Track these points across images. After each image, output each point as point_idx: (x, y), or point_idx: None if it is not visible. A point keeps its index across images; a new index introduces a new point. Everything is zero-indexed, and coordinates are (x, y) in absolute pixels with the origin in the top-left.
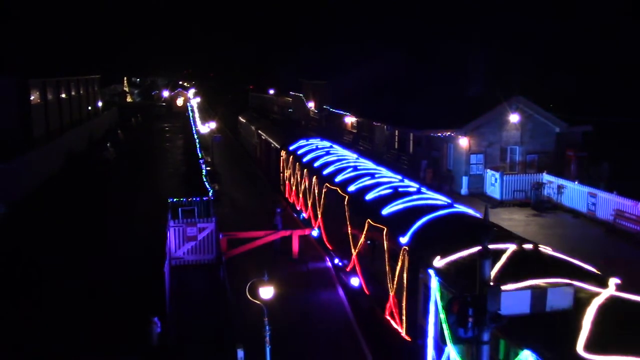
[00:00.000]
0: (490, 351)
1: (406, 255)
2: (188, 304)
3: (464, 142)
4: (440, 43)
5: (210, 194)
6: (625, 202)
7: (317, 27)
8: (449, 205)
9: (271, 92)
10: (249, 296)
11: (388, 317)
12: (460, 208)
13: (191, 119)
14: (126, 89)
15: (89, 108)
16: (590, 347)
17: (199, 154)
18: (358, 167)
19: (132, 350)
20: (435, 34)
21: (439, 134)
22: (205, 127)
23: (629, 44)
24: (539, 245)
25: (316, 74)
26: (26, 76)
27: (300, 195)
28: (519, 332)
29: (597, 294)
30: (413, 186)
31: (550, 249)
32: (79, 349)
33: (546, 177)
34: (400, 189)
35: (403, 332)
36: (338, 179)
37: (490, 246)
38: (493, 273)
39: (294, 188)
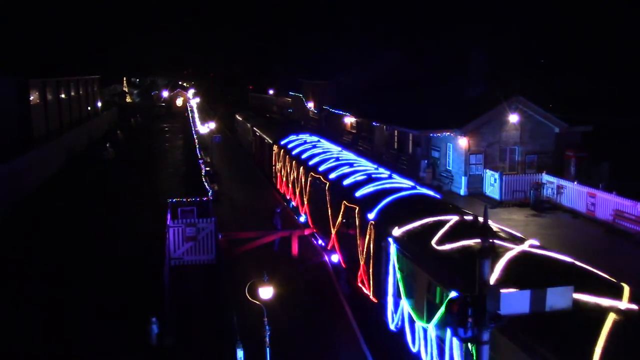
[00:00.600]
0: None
1: (373, 228)
2: (187, 304)
3: (463, 142)
4: (440, 43)
5: (209, 194)
6: (625, 202)
7: (316, 27)
8: (412, 188)
9: (271, 92)
10: (248, 296)
11: (360, 285)
12: (421, 190)
13: (190, 119)
14: (126, 89)
15: (89, 108)
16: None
17: (199, 155)
18: (339, 158)
19: (131, 350)
20: (436, 34)
21: (439, 134)
22: (205, 128)
23: (629, 43)
24: (478, 217)
25: (316, 73)
26: (26, 76)
27: (290, 185)
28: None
29: (511, 249)
30: (385, 173)
31: (491, 222)
32: (77, 349)
33: (546, 177)
34: (373, 175)
35: (371, 295)
36: (321, 168)
37: (438, 217)
38: (437, 237)
39: (284, 179)
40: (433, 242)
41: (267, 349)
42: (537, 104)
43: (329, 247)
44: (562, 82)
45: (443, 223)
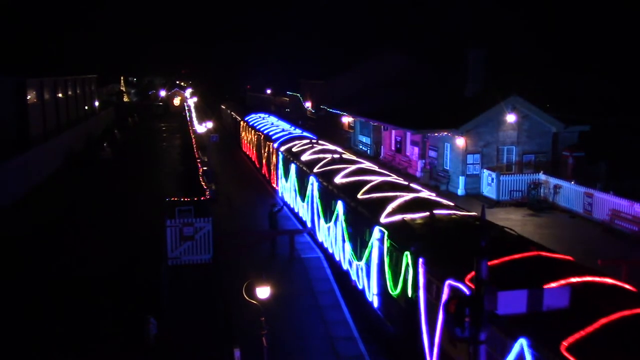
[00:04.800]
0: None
1: (275, 151)
2: (185, 304)
3: (460, 142)
4: (438, 42)
5: (207, 193)
6: (622, 202)
7: (314, 26)
8: (301, 133)
9: (268, 91)
10: (245, 296)
11: (273, 185)
12: (305, 134)
13: (188, 118)
14: (123, 88)
15: (86, 108)
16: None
17: (196, 154)
18: (273, 124)
19: (129, 351)
20: (434, 33)
21: (436, 134)
22: (202, 127)
23: (628, 42)
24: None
25: (314, 73)
26: (23, 76)
27: (248, 144)
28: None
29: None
30: (292, 128)
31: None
32: (75, 349)
33: (542, 177)
34: (284, 130)
35: (275, 185)
36: (262, 129)
37: (301, 142)
38: (299, 150)
39: (246, 142)
40: (294, 150)
41: (265, 349)
42: (534, 103)
43: (262, 172)
44: (560, 82)
45: (305, 145)
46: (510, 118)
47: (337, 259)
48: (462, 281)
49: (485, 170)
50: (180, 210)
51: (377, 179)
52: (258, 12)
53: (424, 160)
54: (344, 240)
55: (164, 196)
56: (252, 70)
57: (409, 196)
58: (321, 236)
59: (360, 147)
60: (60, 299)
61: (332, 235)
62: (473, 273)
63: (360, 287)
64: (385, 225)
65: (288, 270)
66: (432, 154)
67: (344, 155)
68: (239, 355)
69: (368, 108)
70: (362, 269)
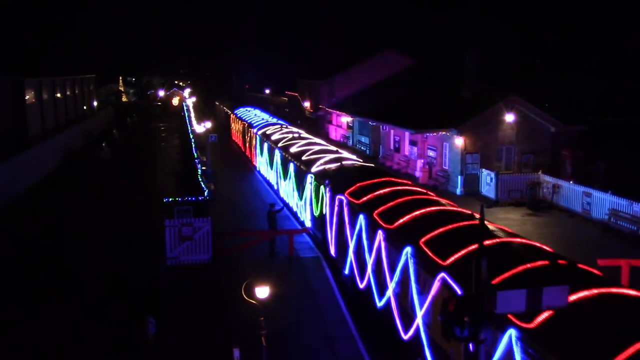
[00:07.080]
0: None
1: (255, 135)
2: (184, 304)
3: (459, 141)
4: (437, 42)
5: (206, 193)
6: (620, 202)
7: (314, 26)
8: (276, 121)
9: (267, 91)
10: (244, 296)
11: (254, 163)
12: (279, 122)
13: (187, 118)
14: (121, 88)
15: (85, 107)
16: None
17: (195, 154)
18: (257, 114)
19: (128, 350)
20: (432, 33)
21: (435, 134)
22: (201, 127)
23: (627, 42)
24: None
25: (313, 73)
26: (22, 76)
27: (236, 133)
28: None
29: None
30: (270, 117)
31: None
32: (74, 349)
33: (541, 176)
34: (263, 119)
35: (254, 163)
36: (247, 120)
37: (276, 126)
38: (270, 132)
39: (234, 131)
40: (267, 132)
41: (264, 348)
42: (533, 103)
43: (246, 154)
44: (559, 82)
45: (276, 129)
46: (509, 118)
47: (291, 205)
48: (343, 194)
49: (484, 170)
50: (179, 210)
51: (317, 148)
52: (257, 11)
53: (422, 160)
54: (294, 190)
55: (163, 196)
56: (250, 69)
57: (333, 156)
58: (282, 192)
59: (359, 146)
60: (59, 298)
61: (288, 188)
62: (350, 189)
63: (302, 219)
64: (314, 173)
65: (287, 269)
66: (430, 153)
67: (301, 134)
68: (239, 355)
69: (367, 108)
70: (302, 205)
